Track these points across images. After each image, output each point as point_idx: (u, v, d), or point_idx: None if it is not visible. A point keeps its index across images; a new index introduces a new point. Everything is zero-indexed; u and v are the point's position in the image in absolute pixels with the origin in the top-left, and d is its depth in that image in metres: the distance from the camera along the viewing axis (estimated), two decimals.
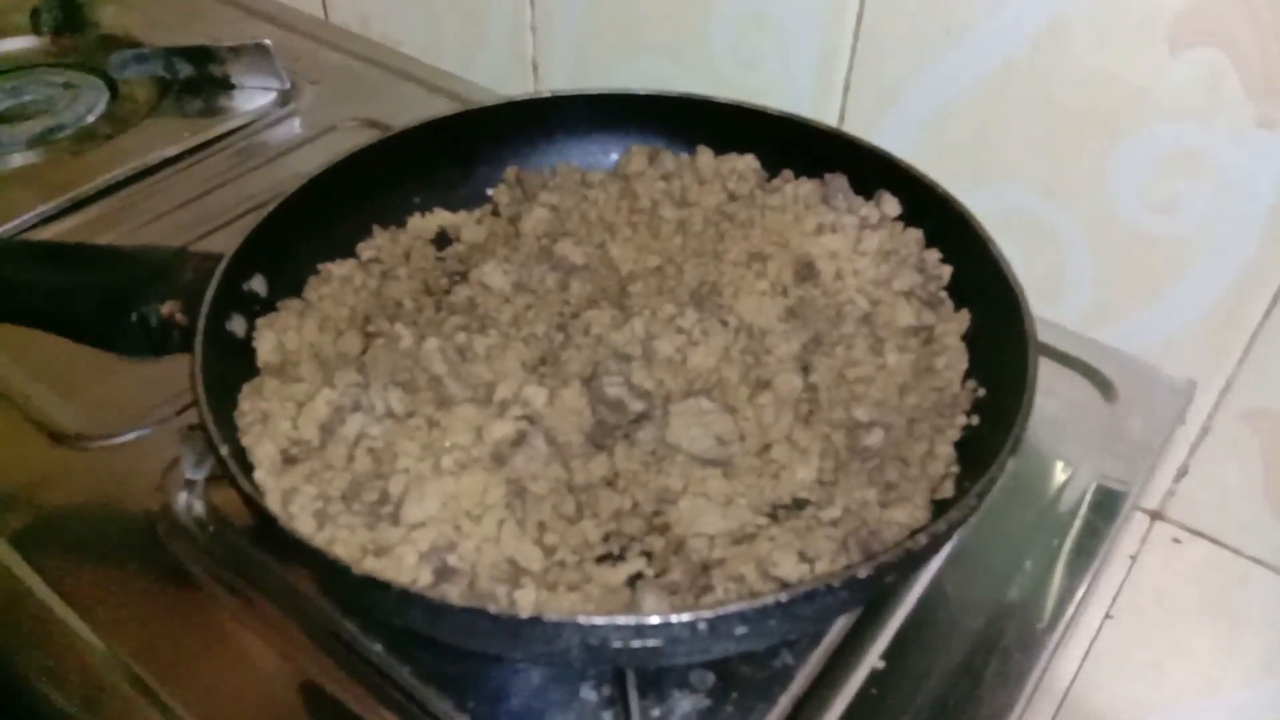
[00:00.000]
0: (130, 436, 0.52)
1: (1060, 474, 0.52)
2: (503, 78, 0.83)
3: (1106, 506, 0.51)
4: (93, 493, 0.50)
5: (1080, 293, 0.61)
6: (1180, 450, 0.61)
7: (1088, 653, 0.63)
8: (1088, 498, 0.51)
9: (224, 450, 0.38)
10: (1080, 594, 0.47)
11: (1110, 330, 0.60)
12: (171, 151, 0.74)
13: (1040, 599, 0.47)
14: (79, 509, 0.50)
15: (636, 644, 0.33)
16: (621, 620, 0.32)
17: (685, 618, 0.32)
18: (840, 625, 0.45)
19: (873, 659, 0.43)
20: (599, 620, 0.32)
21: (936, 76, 0.60)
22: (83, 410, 0.54)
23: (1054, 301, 0.61)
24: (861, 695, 0.42)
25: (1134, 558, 0.64)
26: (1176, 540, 0.64)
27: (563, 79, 0.80)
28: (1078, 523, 0.50)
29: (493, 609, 0.33)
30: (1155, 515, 0.64)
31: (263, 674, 0.43)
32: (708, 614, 0.32)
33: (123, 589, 0.46)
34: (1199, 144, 0.53)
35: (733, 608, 0.33)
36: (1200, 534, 0.63)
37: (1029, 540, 0.49)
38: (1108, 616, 0.64)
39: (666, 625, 0.32)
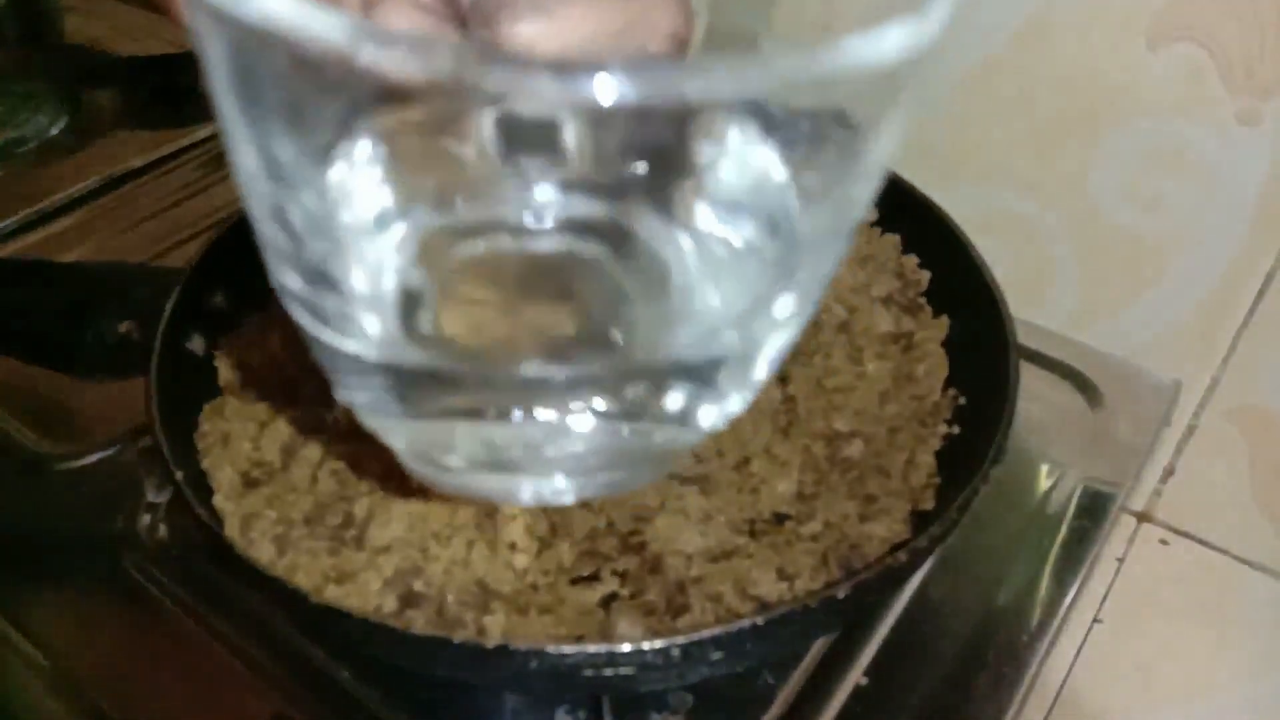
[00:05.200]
0: (92, 459, 0.51)
1: (1046, 478, 0.52)
2: None
3: (1094, 509, 0.50)
4: (53, 517, 0.49)
5: (1065, 292, 0.60)
6: (1166, 451, 0.60)
7: (1076, 657, 0.62)
8: (1074, 501, 0.51)
9: (179, 475, 0.37)
10: (1069, 598, 0.46)
11: (1096, 329, 0.59)
12: (138, 163, 0.72)
13: (1028, 605, 0.46)
14: (38, 534, 0.48)
15: (609, 672, 0.32)
16: (592, 649, 0.31)
17: (658, 645, 0.31)
18: (822, 641, 0.44)
19: (856, 675, 0.42)
20: (568, 649, 0.31)
21: None
22: (43, 432, 0.52)
23: (1039, 302, 0.61)
24: (845, 714, 0.41)
25: (1121, 560, 0.64)
26: (1164, 542, 0.63)
27: None
28: (1065, 526, 0.49)
29: (457, 638, 0.32)
30: (1142, 517, 0.63)
31: (229, 703, 0.42)
32: (681, 640, 0.31)
33: (84, 616, 0.45)
34: (1182, 140, 0.52)
35: (706, 633, 0.31)
36: (1187, 535, 0.62)
37: (1016, 545, 0.48)
38: (1096, 620, 0.63)
39: (639, 652, 0.31)
